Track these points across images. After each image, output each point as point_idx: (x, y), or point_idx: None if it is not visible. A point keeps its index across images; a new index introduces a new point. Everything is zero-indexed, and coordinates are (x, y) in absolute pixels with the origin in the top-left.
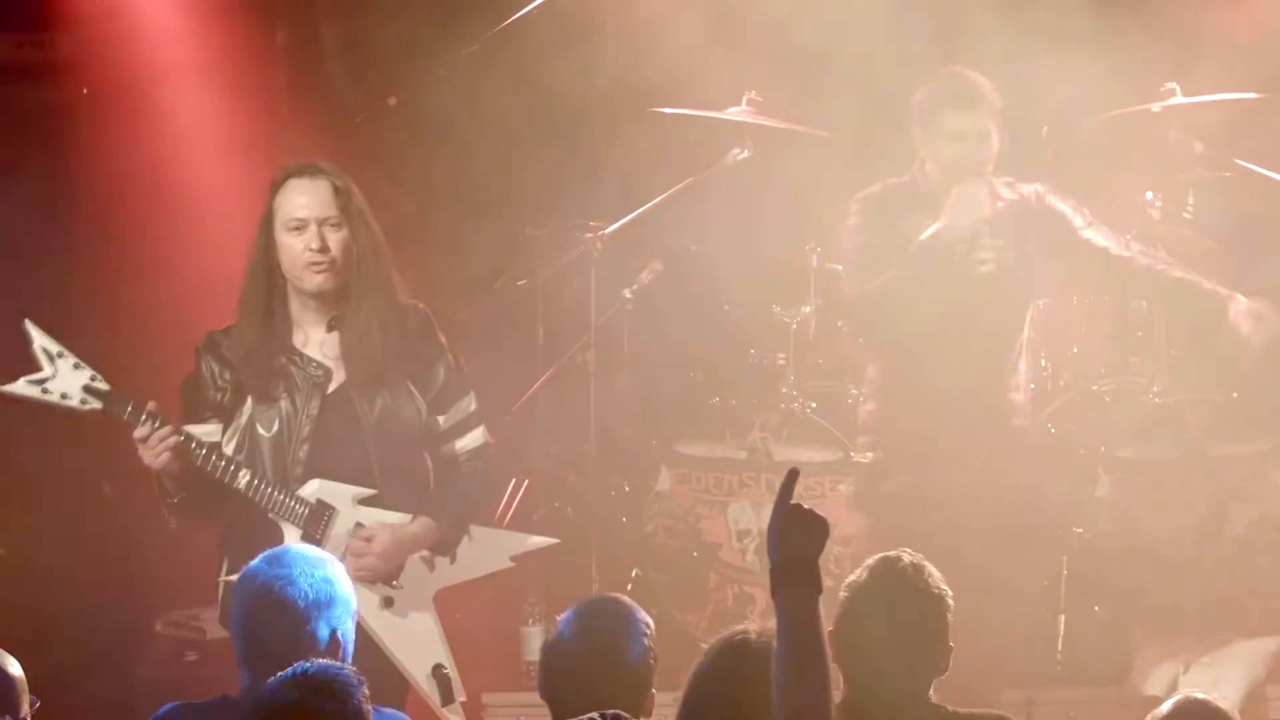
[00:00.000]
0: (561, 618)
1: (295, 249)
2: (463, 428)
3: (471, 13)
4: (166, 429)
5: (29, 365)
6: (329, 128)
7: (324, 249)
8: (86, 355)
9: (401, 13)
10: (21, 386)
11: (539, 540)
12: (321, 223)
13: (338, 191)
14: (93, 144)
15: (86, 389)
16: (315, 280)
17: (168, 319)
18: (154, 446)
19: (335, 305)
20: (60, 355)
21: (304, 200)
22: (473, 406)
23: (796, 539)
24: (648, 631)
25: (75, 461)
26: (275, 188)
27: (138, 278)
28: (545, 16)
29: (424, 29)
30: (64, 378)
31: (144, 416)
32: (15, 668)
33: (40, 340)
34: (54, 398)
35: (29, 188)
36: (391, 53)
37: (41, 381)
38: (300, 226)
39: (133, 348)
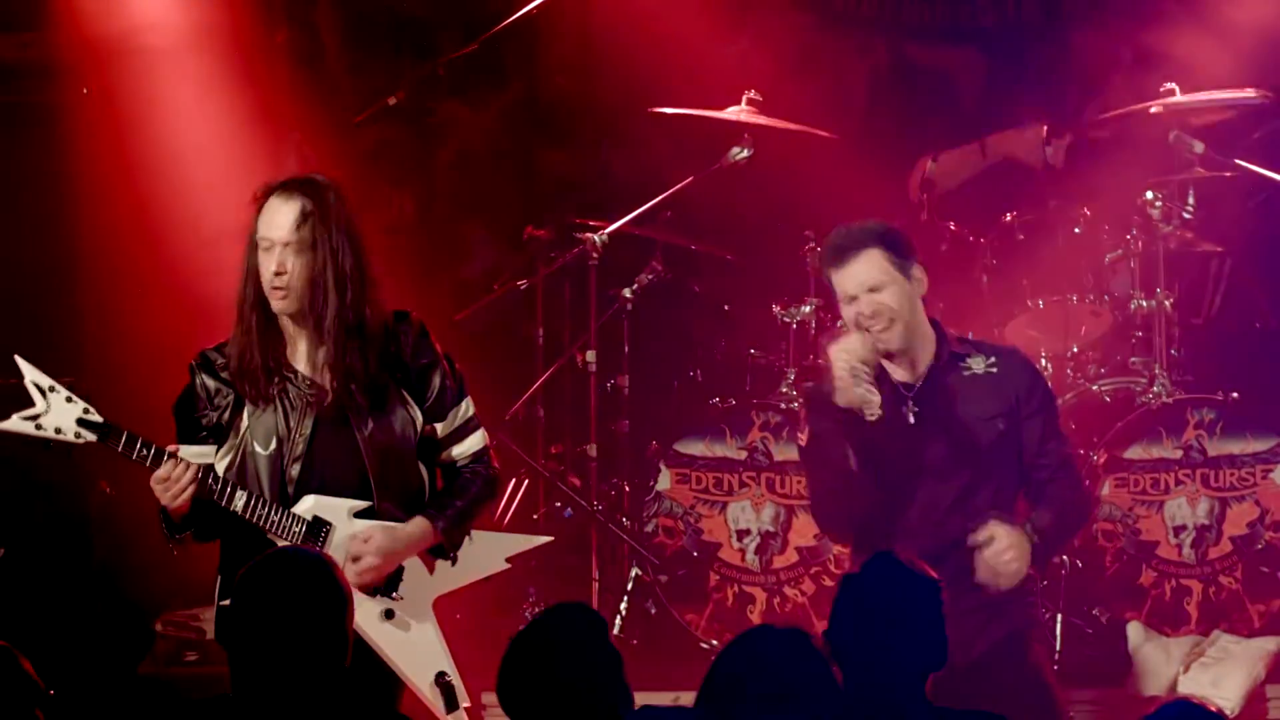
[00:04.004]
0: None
1: (264, 269)
2: (461, 433)
3: (472, 12)
4: (183, 467)
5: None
6: (329, 128)
7: (280, 272)
8: (86, 354)
9: (401, 11)
10: (15, 423)
11: (533, 539)
12: (285, 246)
13: (305, 216)
14: (93, 144)
15: (80, 422)
16: (278, 304)
17: (169, 319)
18: (172, 487)
19: (317, 324)
20: (52, 390)
21: (270, 219)
22: (470, 411)
23: None
24: (590, 636)
25: (75, 461)
26: (257, 204)
27: (139, 278)
28: (545, 16)
29: (424, 29)
30: (56, 412)
31: (165, 456)
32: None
33: (31, 375)
34: (48, 433)
35: (28, 187)
36: (391, 53)
37: (34, 418)
38: (269, 247)
39: (133, 347)
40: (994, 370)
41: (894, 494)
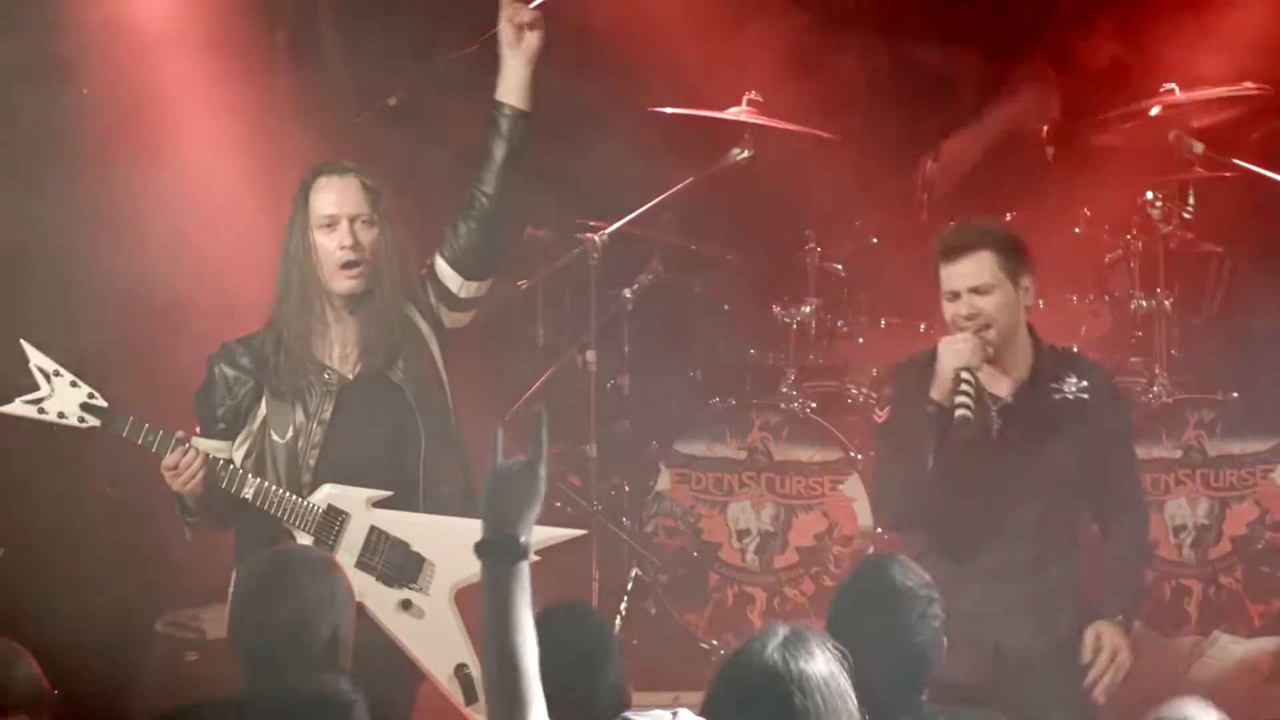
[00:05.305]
0: None
1: (328, 248)
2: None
3: (471, 13)
4: (192, 454)
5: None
6: (329, 128)
7: (356, 245)
8: (88, 355)
9: (401, 13)
10: (18, 407)
11: (566, 532)
12: (353, 219)
13: (367, 189)
14: (93, 145)
15: (84, 406)
16: (346, 284)
17: (169, 319)
18: (182, 473)
19: (371, 305)
20: (56, 374)
21: (334, 197)
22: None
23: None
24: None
25: (75, 462)
26: (305, 188)
27: (138, 278)
28: (545, 16)
29: (424, 29)
30: (60, 396)
31: (173, 443)
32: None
33: (36, 359)
34: (51, 416)
35: (28, 188)
36: (391, 53)
37: (38, 401)
38: (331, 224)
39: (133, 347)
40: (1085, 396)
41: (966, 508)
